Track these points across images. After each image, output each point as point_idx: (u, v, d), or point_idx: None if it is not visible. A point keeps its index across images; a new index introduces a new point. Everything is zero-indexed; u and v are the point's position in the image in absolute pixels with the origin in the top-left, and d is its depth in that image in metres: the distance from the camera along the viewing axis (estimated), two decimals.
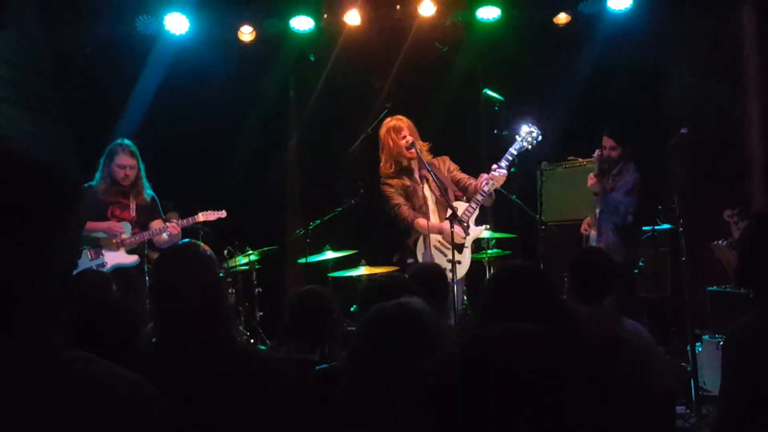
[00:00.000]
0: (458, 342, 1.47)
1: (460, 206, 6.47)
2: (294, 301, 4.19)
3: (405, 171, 6.65)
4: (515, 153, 6.46)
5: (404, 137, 6.46)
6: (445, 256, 6.38)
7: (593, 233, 6.91)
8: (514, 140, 6.53)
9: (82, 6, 8.65)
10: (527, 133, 6.49)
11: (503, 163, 6.37)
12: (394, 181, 6.63)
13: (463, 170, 6.84)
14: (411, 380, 2.11)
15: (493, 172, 6.32)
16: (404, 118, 6.59)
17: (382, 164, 6.67)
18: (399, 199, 6.58)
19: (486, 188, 6.36)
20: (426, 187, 6.62)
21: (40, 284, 1.42)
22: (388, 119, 6.66)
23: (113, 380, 1.41)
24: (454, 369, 1.40)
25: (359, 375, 2.23)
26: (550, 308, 2.58)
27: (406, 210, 6.55)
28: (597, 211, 6.92)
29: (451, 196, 6.59)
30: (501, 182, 6.39)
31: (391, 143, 6.53)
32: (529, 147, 6.51)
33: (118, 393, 1.40)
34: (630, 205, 6.75)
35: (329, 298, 4.11)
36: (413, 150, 6.44)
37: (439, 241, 6.50)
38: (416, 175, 6.63)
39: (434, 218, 6.51)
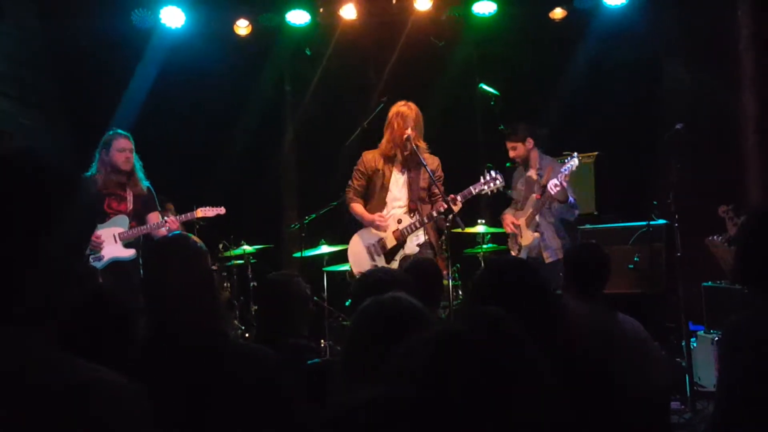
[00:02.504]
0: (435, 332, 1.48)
1: (405, 220, 6.57)
2: (258, 292, 4.17)
3: (394, 154, 6.65)
4: (473, 192, 6.43)
5: (407, 127, 6.47)
6: (373, 261, 6.50)
7: (533, 234, 6.87)
8: (478, 179, 6.44)
9: None
10: (492, 179, 6.42)
11: (459, 198, 6.32)
12: (371, 161, 6.69)
13: (458, 165, 6.83)
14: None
15: (452, 203, 6.21)
16: (415, 108, 6.58)
17: (384, 141, 6.66)
18: (358, 182, 6.74)
19: (434, 213, 6.44)
20: (406, 176, 6.64)
21: (31, 282, 1.41)
22: (402, 102, 6.65)
23: (100, 384, 1.40)
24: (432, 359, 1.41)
25: (354, 368, 2.23)
26: (539, 306, 2.56)
27: (352, 194, 6.76)
28: (531, 210, 6.89)
29: (423, 192, 6.65)
30: (456, 210, 6.31)
31: (396, 125, 6.54)
32: (489, 193, 6.49)
33: (104, 398, 1.38)
34: (573, 194, 6.79)
35: (292, 285, 4.04)
36: (408, 144, 6.43)
37: (374, 245, 6.60)
38: (400, 162, 6.65)
39: (399, 209, 6.62)
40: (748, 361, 2.67)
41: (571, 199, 6.68)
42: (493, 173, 6.45)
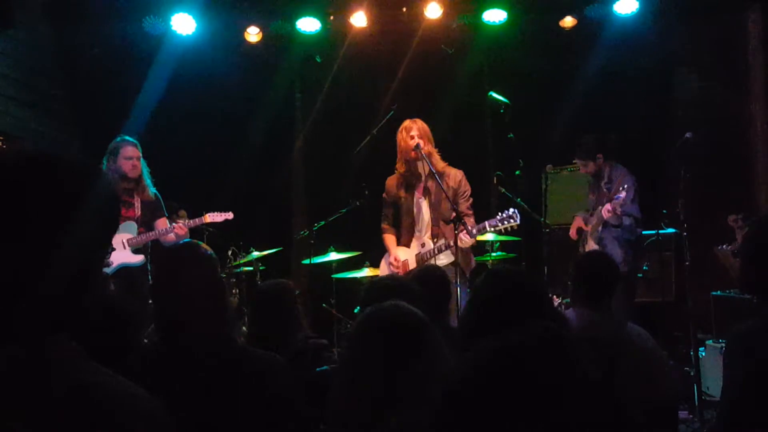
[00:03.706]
0: (466, 357, 1.49)
1: (428, 244, 6.56)
2: (253, 298, 4.27)
3: (412, 176, 6.62)
4: (488, 229, 6.37)
5: (412, 137, 6.46)
6: None
7: (595, 246, 6.85)
8: (493, 217, 6.37)
9: (89, 6, 8.68)
10: (508, 216, 6.31)
11: (474, 231, 6.26)
12: (392, 187, 6.70)
13: (468, 173, 6.79)
14: (405, 381, 2.13)
15: (464, 235, 6.13)
16: (419, 121, 6.57)
17: (397, 162, 6.68)
18: (386, 210, 6.77)
19: (452, 243, 6.39)
20: (427, 200, 6.62)
21: (49, 287, 1.38)
22: (406, 120, 6.66)
23: (122, 396, 1.40)
24: (467, 384, 1.42)
25: (352, 375, 2.24)
26: (535, 314, 2.56)
27: (385, 224, 6.78)
28: (595, 221, 6.88)
29: (447, 212, 6.54)
30: (468, 245, 6.34)
31: (401, 142, 6.55)
32: (502, 230, 6.37)
33: (126, 409, 1.38)
34: (638, 215, 6.74)
35: (286, 292, 4.17)
36: (417, 152, 6.41)
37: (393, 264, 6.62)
38: (421, 185, 6.63)
39: (425, 233, 6.60)
40: (751, 368, 2.67)
41: (626, 222, 6.65)
42: (510, 211, 6.38)
